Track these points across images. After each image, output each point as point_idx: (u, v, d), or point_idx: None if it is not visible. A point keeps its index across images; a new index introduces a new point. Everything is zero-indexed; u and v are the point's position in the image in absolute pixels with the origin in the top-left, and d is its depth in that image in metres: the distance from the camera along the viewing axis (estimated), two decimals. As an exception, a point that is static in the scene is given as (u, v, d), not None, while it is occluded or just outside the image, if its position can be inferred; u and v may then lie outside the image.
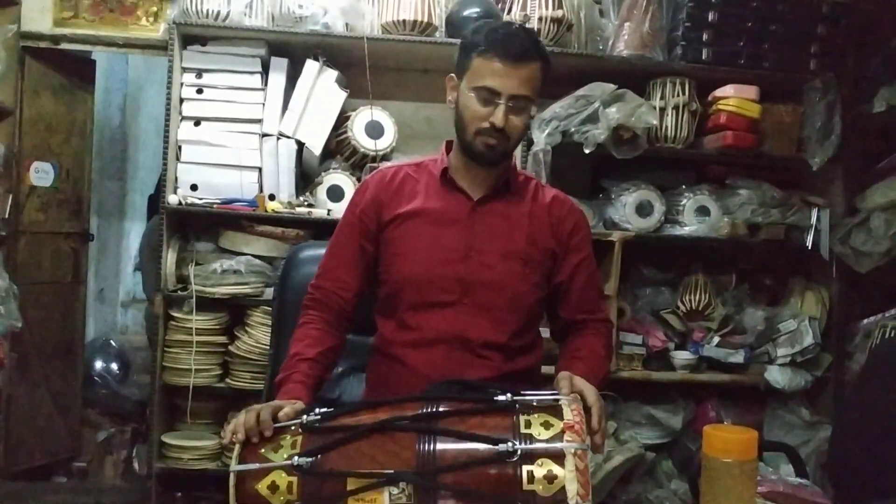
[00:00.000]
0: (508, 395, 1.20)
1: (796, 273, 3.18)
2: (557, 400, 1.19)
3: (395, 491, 1.11)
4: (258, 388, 2.76)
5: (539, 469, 1.09)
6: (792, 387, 2.95)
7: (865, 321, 3.02)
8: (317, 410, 1.25)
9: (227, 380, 2.89)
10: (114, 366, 4.04)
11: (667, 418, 2.95)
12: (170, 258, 2.83)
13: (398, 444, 1.16)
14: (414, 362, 1.52)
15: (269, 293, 2.78)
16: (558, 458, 1.10)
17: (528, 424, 1.15)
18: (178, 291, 2.84)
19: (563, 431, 1.12)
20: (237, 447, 1.21)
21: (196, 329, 2.80)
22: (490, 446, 1.12)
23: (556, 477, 1.09)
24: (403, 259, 1.55)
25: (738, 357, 2.95)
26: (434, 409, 1.21)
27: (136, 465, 3.44)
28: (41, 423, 3.32)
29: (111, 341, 4.22)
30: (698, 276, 3.04)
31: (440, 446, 1.14)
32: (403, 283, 1.55)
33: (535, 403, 1.19)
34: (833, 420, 2.85)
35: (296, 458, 1.15)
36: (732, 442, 1.06)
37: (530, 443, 1.11)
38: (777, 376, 2.94)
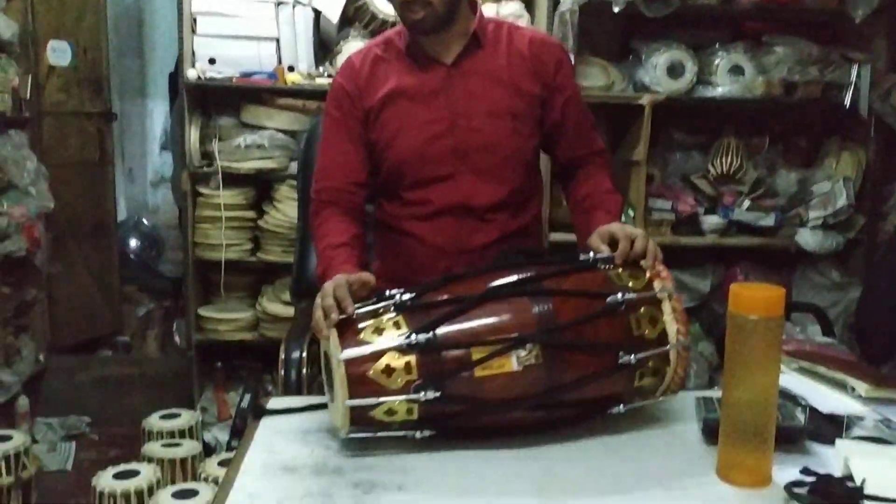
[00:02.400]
0: (591, 254, 1.25)
1: (832, 134, 3.08)
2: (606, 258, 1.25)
3: (522, 353, 1.12)
4: (288, 262, 2.80)
5: (643, 315, 1.17)
6: (823, 249, 2.92)
7: (902, 181, 2.95)
8: (389, 292, 1.19)
9: (259, 254, 2.94)
10: (147, 244, 4.12)
11: (695, 283, 2.96)
12: (193, 134, 2.82)
13: (514, 309, 1.16)
14: (422, 233, 1.54)
15: (293, 167, 2.77)
16: (656, 303, 1.19)
17: (620, 278, 1.21)
18: (204, 168, 2.84)
19: (650, 280, 1.21)
20: (333, 334, 1.13)
21: (224, 205, 2.82)
22: (600, 300, 1.17)
23: (657, 320, 1.18)
24: (393, 144, 1.52)
25: (769, 220, 2.91)
26: (529, 274, 1.20)
27: (176, 339, 3.57)
28: (82, 301, 3.43)
29: (143, 220, 4.29)
30: (730, 139, 2.96)
31: (554, 307, 1.16)
32: (399, 166, 1.53)
33: (617, 261, 1.25)
34: (863, 281, 2.84)
35: (413, 335, 1.10)
36: (759, 299, 1.04)
37: (631, 293, 1.17)
38: (808, 239, 2.91)
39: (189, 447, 2.43)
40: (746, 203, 2.93)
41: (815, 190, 2.95)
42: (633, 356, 1.16)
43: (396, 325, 1.13)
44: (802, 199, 2.96)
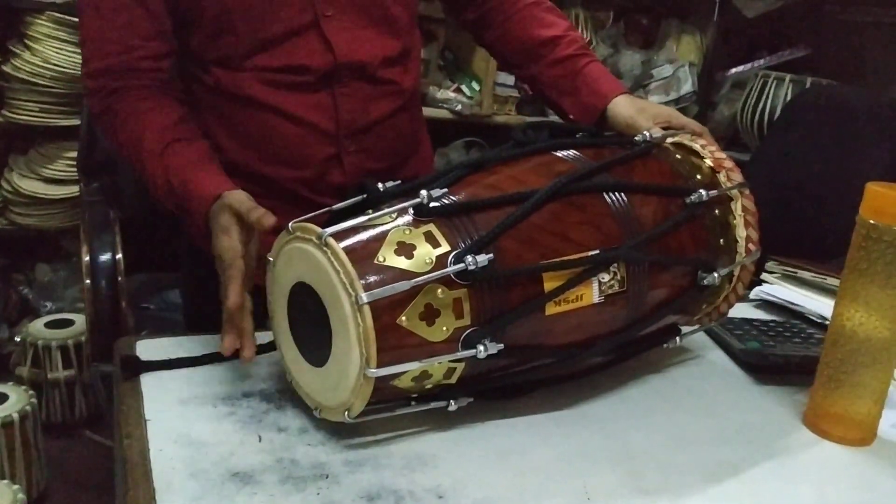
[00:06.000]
0: (646, 133, 0.91)
1: (671, 15, 2.94)
2: (672, 135, 0.95)
3: (605, 278, 0.76)
4: (48, 125, 2.16)
5: (717, 219, 0.88)
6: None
7: (734, 70, 2.91)
8: (387, 184, 0.77)
9: (4, 111, 2.21)
10: None
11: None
12: None
13: (589, 212, 0.77)
14: (292, 109, 1.03)
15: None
16: (724, 202, 0.88)
17: (683, 167, 0.90)
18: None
19: (712, 171, 0.90)
20: (333, 249, 0.66)
21: (-50, 39, 2.06)
22: (676, 199, 0.84)
23: (728, 226, 0.88)
24: None
25: (614, 103, 2.74)
26: (582, 158, 0.84)
27: None
28: None
29: None
30: (578, 10, 2.71)
31: (635, 209, 0.82)
32: (228, 20, 0.99)
33: (669, 142, 0.93)
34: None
35: (469, 256, 0.67)
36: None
37: (707, 189, 0.85)
38: (647, 126, 2.80)
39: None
40: (593, 83, 2.72)
41: (656, 74, 2.82)
42: (716, 274, 0.86)
43: (430, 238, 0.69)
44: (642, 84, 2.82)
